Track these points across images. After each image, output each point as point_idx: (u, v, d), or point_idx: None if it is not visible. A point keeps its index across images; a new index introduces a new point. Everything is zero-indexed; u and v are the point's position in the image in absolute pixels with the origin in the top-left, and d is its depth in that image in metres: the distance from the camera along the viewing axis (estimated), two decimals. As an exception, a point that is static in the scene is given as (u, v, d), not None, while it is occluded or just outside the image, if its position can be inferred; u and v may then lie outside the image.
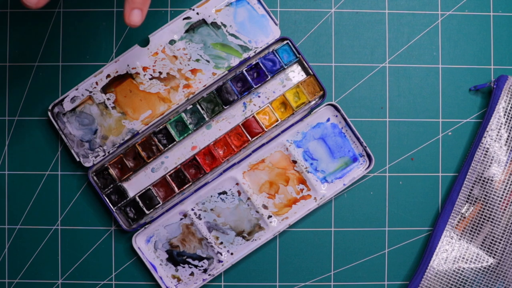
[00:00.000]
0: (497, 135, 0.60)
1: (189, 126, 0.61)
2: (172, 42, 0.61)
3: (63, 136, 0.61)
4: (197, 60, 0.62)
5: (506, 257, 0.60)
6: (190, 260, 0.62)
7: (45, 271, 0.62)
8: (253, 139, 0.62)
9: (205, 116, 0.62)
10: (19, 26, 0.63)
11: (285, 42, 0.62)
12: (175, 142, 0.61)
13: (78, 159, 0.61)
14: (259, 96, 0.62)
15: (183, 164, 0.62)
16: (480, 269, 0.60)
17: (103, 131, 0.61)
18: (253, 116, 0.62)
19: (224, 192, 0.62)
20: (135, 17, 0.49)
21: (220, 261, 0.62)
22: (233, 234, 0.62)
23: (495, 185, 0.60)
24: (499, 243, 0.60)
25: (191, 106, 0.62)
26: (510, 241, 0.60)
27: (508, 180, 0.60)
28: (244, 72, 0.62)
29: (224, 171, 0.62)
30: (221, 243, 0.62)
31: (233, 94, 0.62)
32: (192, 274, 0.62)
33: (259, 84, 0.62)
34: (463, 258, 0.60)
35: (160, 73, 0.62)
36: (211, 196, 0.62)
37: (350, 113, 0.63)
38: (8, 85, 0.63)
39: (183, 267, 0.62)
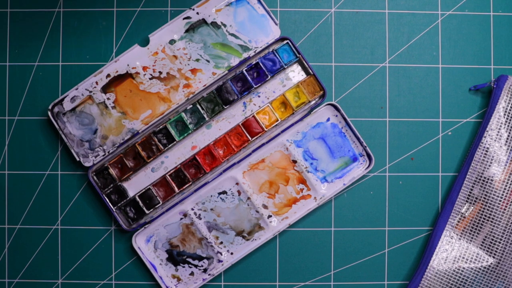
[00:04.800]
0: (497, 134, 0.60)
1: (189, 126, 0.61)
2: (172, 42, 0.62)
3: (63, 136, 0.61)
4: (197, 60, 0.62)
5: (506, 257, 0.59)
6: (190, 259, 0.62)
7: (45, 271, 0.62)
8: (253, 139, 0.62)
9: (205, 116, 0.62)
10: (19, 26, 0.63)
11: (285, 42, 0.62)
12: (175, 142, 0.61)
13: (78, 159, 0.61)
14: (259, 96, 0.62)
15: (183, 164, 0.62)
16: (480, 269, 0.60)
17: (103, 131, 0.61)
18: (253, 116, 0.62)
19: (224, 192, 0.62)
20: None
21: (220, 261, 0.62)
22: (233, 233, 0.62)
23: (495, 185, 0.60)
24: (499, 243, 0.60)
25: (191, 106, 0.62)
26: (510, 241, 0.59)
27: (508, 180, 0.60)
28: (244, 72, 0.62)
29: (224, 171, 0.62)
30: (221, 242, 0.62)
31: (233, 94, 0.62)
32: (192, 273, 0.62)
33: (259, 84, 0.62)
34: (463, 258, 0.60)
35: (160, 72, 0.62)
36: (211, 196, 0.62)
37: (350, 113, 0.63)
38: (8, 85, 0.63)
39: (183, 266, 0.62)
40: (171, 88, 0.62)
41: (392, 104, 0.63)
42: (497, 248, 0.60)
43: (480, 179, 0.60)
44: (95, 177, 0.61)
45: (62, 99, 0.61)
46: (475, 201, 0.60)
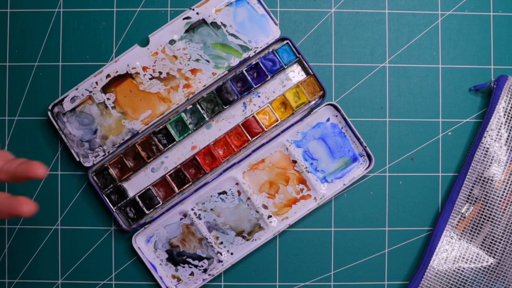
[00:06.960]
0: (497, 135, 0.60)
1: (189, 126, 0.61)
2: (172, 42, 0.61)
3: (63, 136, 0.61)
4: (197, 60, 0.62)
5: (506, 257, 0.60)
6: (190, 260, 0.62)
7: (45, 271, 0.62)
8: (253, 139, 0.62)
9: (205, 116, 0.62)
10: (19, 26, 0.63)
11: (285, 42, 0.62)
12: (175, 142, 0.61)
13: (78, 159, 0.61)
14: (259, 96, 0.62)
15: (183, 164, 0.62)
16: (480, 269, 0.60)
17: (103, 131, 0.61)
18: (253, 116, 0.62)
19: (224, 192, 0.62)
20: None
21: (220, 261, 0.62)
22: (233, 234, 0.62)
23: (495, 185, 0.60)
24: (499, 243, 0.60)
25: (191, 106, 0.62)
26: (510, 241, 0.59)
27: (508, 180, 0.60)
28: (244, 72, 0.62)
29: (224, 171, 0.62)
30: (221, 243, 0.62)
31: (233, 94, 0.62)
32: (192, 274, 0.62)
33: (259, 84, 0.62)
34: (463, 258, 0.60)
35: (160, 73, 0.62)
36: (211, 196, 0.62)
37: (350, 113, 0.63)
38: (8, 85, 0.63)
39: (183, 267, 0.62)
40: (171, 88, 0.62)
41: (392, 104, 0.63)
42: (497, 248, 0.60)
43: (480, 179, 0.60)
44: (95, 177, 0.61)
45: (62, 99, 0.61)
46: (475, 201, 0.60)
